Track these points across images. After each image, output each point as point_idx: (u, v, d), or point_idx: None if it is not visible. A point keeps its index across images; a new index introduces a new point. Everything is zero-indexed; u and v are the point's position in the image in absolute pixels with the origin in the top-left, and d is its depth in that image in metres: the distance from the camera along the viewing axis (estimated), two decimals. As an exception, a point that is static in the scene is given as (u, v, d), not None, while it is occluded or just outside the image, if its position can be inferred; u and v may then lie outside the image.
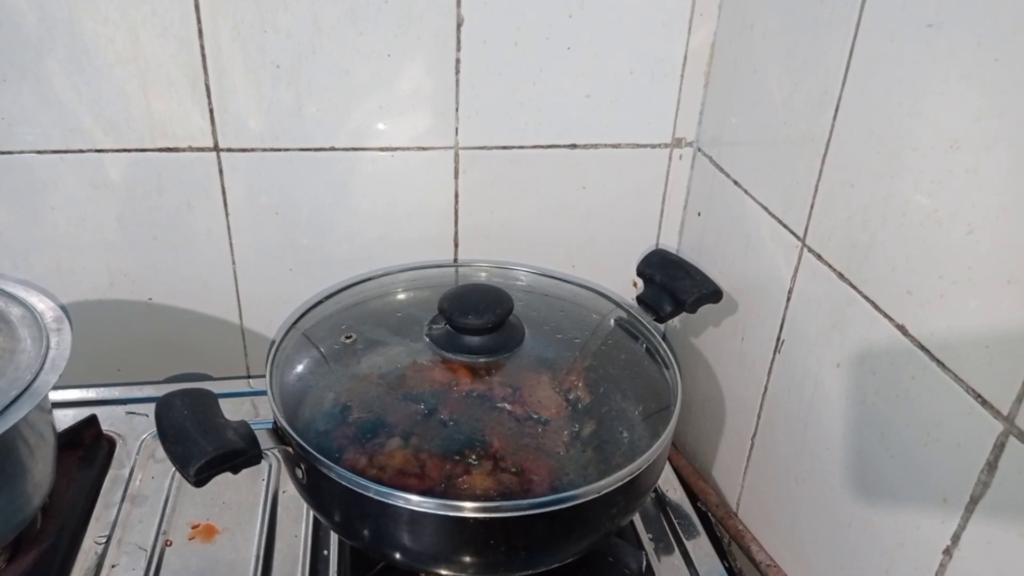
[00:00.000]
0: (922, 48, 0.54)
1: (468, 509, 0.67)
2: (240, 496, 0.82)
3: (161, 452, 0.63)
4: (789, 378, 0.74)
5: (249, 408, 0.94)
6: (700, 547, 0.81)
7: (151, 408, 0.66)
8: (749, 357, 0.81)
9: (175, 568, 0.75)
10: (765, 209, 0.77)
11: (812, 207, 0.69)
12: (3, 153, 0.83)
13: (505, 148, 0.91)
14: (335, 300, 0.85)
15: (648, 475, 0.70)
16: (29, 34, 0.78)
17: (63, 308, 0.79)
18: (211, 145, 0.86)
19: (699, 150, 0.92)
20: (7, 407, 0.64)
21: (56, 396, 0.92)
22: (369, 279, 0.89)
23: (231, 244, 0.92)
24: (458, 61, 0.85)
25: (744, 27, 0.80)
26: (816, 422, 0.70)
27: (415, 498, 0.66)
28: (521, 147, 0.91)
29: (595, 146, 0.92)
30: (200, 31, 0.80)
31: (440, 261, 0.96)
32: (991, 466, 0.50)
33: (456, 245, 0.96)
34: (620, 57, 0.87)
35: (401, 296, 0.90)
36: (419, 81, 0.85)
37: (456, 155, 0.90)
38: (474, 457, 0.78)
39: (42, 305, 0.76)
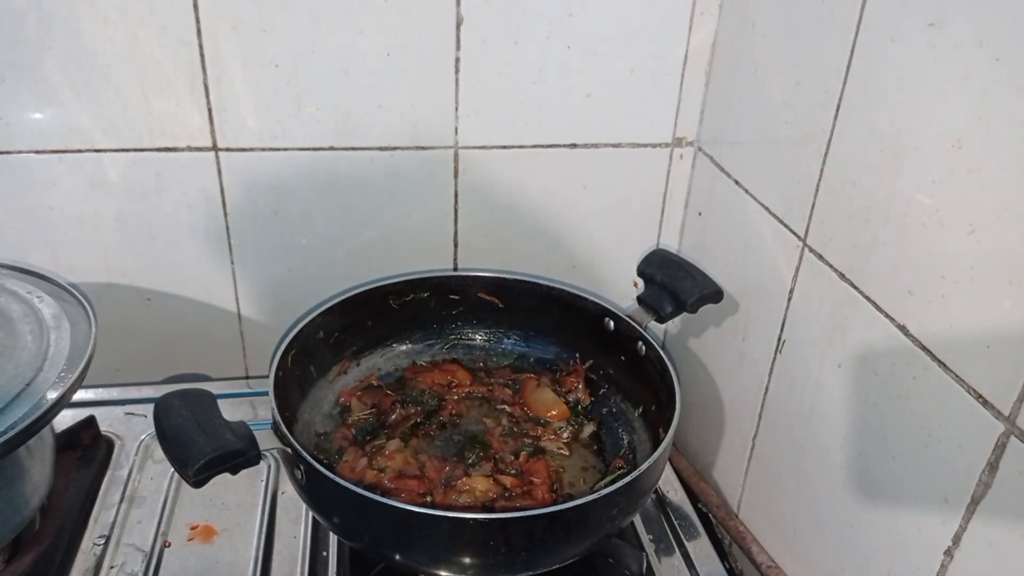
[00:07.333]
0: (923, 47, 0.54)
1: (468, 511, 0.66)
2: (239, 497, 0.82)
3: (160, 453, 0.63)
4: (790, 379, 0.74)
5: (248, 409, 0.94)
6: (701, 548, 0.81)
7: (150, 409, 0.66)
8: (750, 357, 0.81)
9: (174, 569, 0.75)
10: (766, 209, 0.77)
11: (813, 207, 0.68)
12: (2, 153, 0.83)
13: (505, 148, 0.90)
14: (337, 303, 0.85)
15: (649, 476, 0.70)
16: (28, 33, 0.78)
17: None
18: (210, 145, 0.86)
19: (700, 150, 0.92)
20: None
21: (55, 396, 0.92)
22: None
23: (230, 244, 0.91)
24: (458, 60, 0.85)
25: (745, 26, 0.80)
26: (817, 423, 0.70)
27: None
28: (521, 147, 0.90)
29: (595, 146, 0.91)
30: (199, 30, 0.80)
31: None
32: (992, 467, 0.50)
33: (456, 245, 0.96)
34: (621, 56, 0.86)
35: (401, 300, 0.90)
36: (418, 80, 0.85)
37: (456, 155, 0.90)
38: (474, 458, 0.78)
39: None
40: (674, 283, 0.83)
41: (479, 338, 0.95)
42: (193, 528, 0.79)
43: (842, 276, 0.65)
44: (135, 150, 0.85)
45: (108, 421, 0.90)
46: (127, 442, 0.88)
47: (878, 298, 0.61)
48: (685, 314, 0.83)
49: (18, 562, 0.73)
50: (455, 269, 0.97)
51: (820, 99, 0.66)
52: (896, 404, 0.59)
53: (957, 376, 0.53)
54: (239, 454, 0.62)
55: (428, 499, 0.72)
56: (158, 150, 0.85)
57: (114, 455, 0.87)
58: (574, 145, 0.91)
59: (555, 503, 0.73)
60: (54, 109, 0.81)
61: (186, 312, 0.94)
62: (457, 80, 0.86)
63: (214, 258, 0.92)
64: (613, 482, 0.67)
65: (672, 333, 1.03)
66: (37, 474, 0.73)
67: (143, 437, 0.89)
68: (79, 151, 0.84)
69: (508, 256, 0.97)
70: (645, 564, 0.76)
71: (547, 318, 0.91)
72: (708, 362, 0.92)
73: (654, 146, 0.92)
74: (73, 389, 0.66)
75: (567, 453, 0.82)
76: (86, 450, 0.86)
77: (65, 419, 0.87)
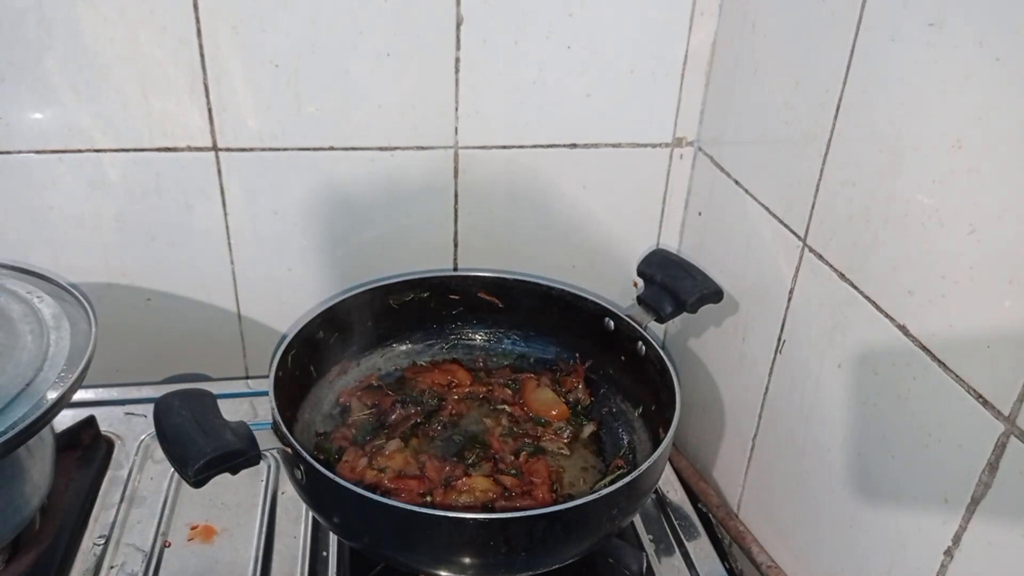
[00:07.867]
0: (923, 47, 0.54)
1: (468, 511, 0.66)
2: (239, 497, 0.82)
3: (160, 453, 0.63)
4: (790, 378, 0.74)
5: (248, 409, 0.94)
6: (701, 548, 0.81)
7: (150, 409, 0.66)
8: (750, 357, 0.81)
9: (174, 569, 0.75)
10: (766, 209, 0.77)
11: (813, 207, 0.68)
12: (2, 153, 0.83)
13: (505, 148, 0.90)
14: (337, 303, 0.85)
15: (649, 476, 0.70)
16: (28, 33, 0.78)
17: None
18: (210, 145, 0.86)
19: (700, 150, 0.92)
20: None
21: (55, 396, 0.92)
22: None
23: (230, 244, 0.91)
24: (458, 60, 0.85)
25: (745, 26, 0.80)
26: (817, 423, 0.70)
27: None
28: (521, 147, 0.90)
29: (595, 146, 0.91)
30: (199, 30, 0.80)
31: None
32: (992, 467, 0.50)
33: (456, 245, 0.96)
34: (621, 56, 0.86)
35: (401, 300, 0.90)
36: (418, 80, 0.85)
37: (456, 155, 0.90)
38: (474, 458, 0.78)
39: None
40: (674, 283, 0.83)
41: (479, 338, 0.95)
42: (193, 528, 0.79)
43: (842, 276, 0.65)
44: (135, 150, 0.85)
45: (108, 421, 0.90)
46: (127, 442, 0.88)
47: (878, 298, 0.61)
48: (685, 314, 0.83)
49: (18, 562, 0.73)
50: (455, 269, 0.97)
51: (820, 99, 0.66)
52: (896, 404, 0.59)
53: (957, 376, 0.53)
54: (239, 454, 0.62)
55: (428, 499, 0.72)
56: (158, 150, 0.85)
57: (114, 455, 0.87)
58: (574, 145, 0.91)
59: (555, 503, 0.73)
60: (54, 109, 0.81)
61: (186, 312, 0.94)
62: (457, 80, 0.86)
63: (214, 258, 0.92)
64: (613, 482, 0.67)
65: (672, 333, 1.03)
66: (37, 474, 0.73)
67: (143, 437, 0.89)
68: (79, 151, 0.84)
69: (508, 256, 0.97)
70: (645, 564, 0.76)
71: (547, 318, 0.91)
72: (708, 362, 0.92)
73: (654, 146, 0.92)
74: (73, 389, 0.66)
75: (567, 453, 0.82)
76: (86, 450, 0.86)
77: (65, 419, 0.87)
